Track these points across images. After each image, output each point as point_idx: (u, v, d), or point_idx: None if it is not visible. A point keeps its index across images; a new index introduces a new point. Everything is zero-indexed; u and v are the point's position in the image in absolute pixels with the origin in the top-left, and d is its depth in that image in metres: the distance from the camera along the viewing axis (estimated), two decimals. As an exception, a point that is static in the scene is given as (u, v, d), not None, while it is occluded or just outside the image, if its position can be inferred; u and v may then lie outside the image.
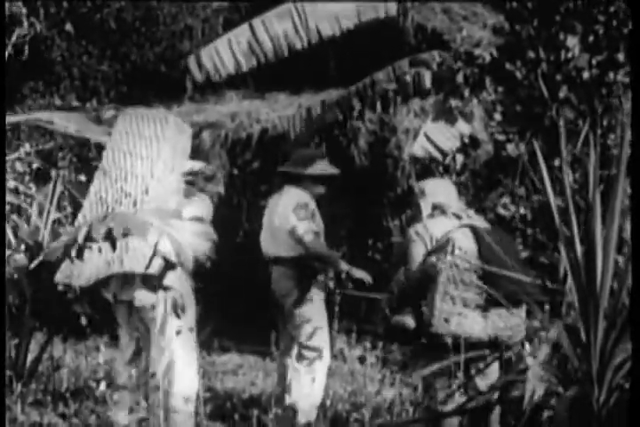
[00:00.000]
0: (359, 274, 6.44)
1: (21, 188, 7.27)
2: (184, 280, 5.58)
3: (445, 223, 5.66)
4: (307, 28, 8.51)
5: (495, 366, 5.36)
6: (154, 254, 5.36)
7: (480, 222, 5.77)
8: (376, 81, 8.39)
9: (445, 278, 5.41)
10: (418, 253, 5.62)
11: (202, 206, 5.81)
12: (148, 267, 5.34)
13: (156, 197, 5.54)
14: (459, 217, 5.70)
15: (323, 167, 6.55)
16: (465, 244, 5.45)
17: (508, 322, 5.33)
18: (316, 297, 6.42)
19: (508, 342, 5.27)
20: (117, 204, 5.52)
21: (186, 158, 5.79)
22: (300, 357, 6.35)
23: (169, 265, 5.43)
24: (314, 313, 6.38)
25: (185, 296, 5.58)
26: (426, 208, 5.79)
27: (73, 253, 5.41)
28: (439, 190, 5.85)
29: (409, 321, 5.60)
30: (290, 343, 6.44)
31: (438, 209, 5.76)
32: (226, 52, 8.57)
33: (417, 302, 5.61)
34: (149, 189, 5.53)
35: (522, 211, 7.15)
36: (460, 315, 5.37)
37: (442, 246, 5.49)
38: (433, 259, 5.51)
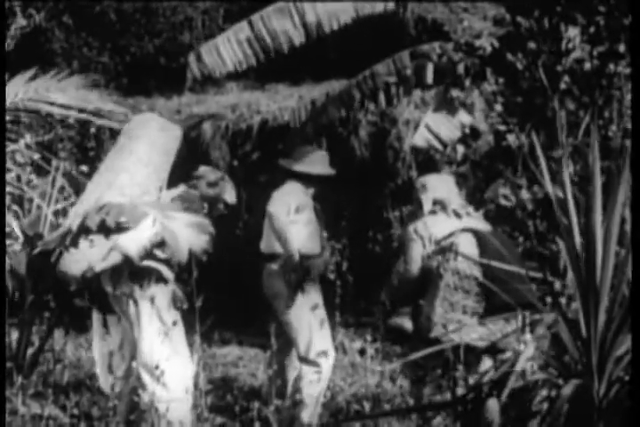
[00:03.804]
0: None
1: (22, 179, 7.27)
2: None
3: (445, 222, 5.62)
4: (305, 24, 8.51)
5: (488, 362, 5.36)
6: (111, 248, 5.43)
7: (479, 221, 5.75)
8: (376, 73, 8.38)
9: (446, 284, 5.38)
10: (416, 252, 5.59)
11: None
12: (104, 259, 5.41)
13: (122, 188, 5.60)
14: (458, 215, 5.66)
15: (320, 167, 6.45)
16: (467, 249, 5.42)
17: (505, 330, 5.30)
18: (309, 297, 6.34)
19: (505, 348, 5.25)
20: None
21: (169, 156, 5.84)
22: (305, 364, 6.29)
23: (127, 261, 5.46)
24: (307, 316, 6.28)
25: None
26: (427, 203, 5.74)
27: (67, 242, 5.44)
28: (440, 185, 5.80)
29: (407, 324, 5.58)
30: (287, 346, 6.38)
31: (439, 205, 5.71)
32: (226, 49, 8.57)
33: (413, 303, 5.59)
34: (117, 180, 5.61)
35: (522, 202, 7.13)
36: (459, 322, 5.34)
37: (443, 250, 5.46)
38: (434, 262, 5.47)
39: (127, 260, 5.45)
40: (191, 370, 5.58)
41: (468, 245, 5.44)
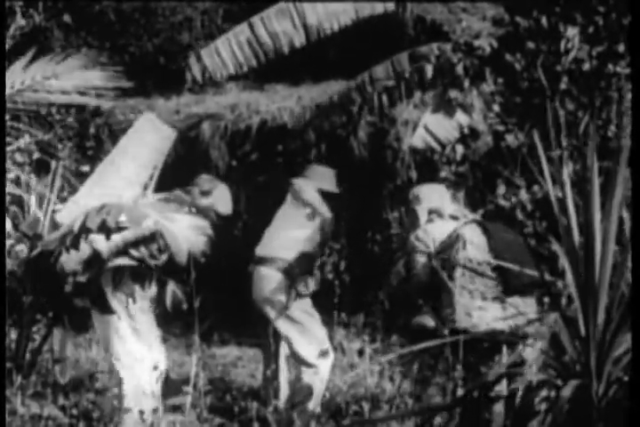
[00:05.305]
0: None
1: (22, 178, 7.27)
2: None
3: (444, 226, 5.69)
4: (305, 25, 8.53)
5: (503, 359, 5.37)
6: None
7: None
8: (375, 77, 8.39)
9: (461, 274, 5.43)
10: (422, 258, 5.66)
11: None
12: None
13: (104, 179, 5.66)
14: (456, 218, 5.74)
15: (328, 185, 6.48)
16: (475, 238, 5.50)
17: (526, 310, 5.35)
18: (300, 302, 6.32)
19: (528, 330, 5.26)
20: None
21: (158, 154, 5.89)
22: (302, 366, 6.30)
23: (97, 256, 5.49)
24: (300, 319, 6.29)
25: None
26: (423, 214, 5.83)
27: (68, 243, 5.46)
28: (433, 195, 5.90)
29: (428, 321, 5.62)
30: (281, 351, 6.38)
31: (435, 213, 5.80)
32: (226, 51, 8.60)
33: (413, 302, 5.63)
34: (103, 173, 5.68)
35: (521, 202, 7.14)
36: (481, 308, 5.39)
37: (451, 244, 5.53)
38: (441, 257, 5.53)
39: (96, 255, 5.48)
40: (164, 365, 5.64)
41: (474, 234, 5.53)
